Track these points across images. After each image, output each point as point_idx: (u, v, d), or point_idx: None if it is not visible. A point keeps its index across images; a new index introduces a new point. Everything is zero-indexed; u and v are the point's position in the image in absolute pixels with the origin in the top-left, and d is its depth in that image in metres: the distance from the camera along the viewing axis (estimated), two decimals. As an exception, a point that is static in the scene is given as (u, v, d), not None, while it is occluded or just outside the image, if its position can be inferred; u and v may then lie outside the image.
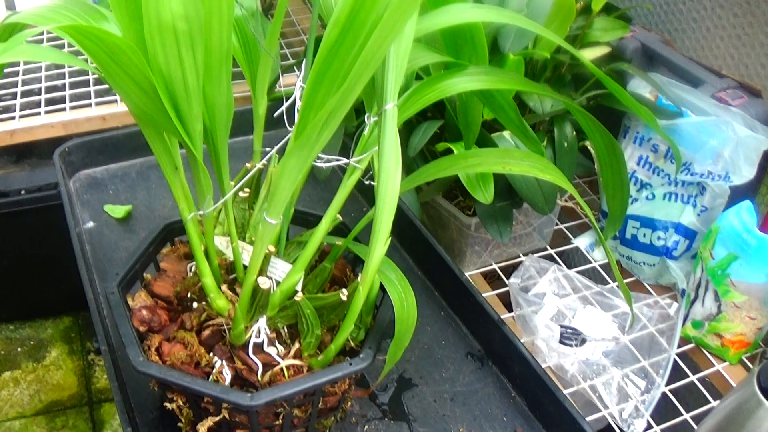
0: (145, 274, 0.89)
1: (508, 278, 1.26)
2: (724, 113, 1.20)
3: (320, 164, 0.75)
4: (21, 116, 1.49)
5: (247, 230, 0.87)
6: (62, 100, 1.53)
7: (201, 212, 0.77)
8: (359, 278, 0.75)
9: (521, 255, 1.31)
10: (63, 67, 1.61)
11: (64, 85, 1.57)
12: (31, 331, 1.77)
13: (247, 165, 0.87)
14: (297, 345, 0.81)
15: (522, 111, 1.13)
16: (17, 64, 1.65)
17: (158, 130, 0.72)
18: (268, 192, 0.88)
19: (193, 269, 0.88)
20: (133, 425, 0.86)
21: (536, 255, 1.31)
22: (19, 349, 1.71)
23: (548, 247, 1.34)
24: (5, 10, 1.81)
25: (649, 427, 1.09)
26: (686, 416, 1.10)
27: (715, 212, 1.22)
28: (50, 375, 1.67)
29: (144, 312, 0.84)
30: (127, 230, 1.13)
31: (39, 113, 1.49)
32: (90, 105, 1.51)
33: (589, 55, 1.16)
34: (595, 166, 1.26)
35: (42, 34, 1.74)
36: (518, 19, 0.78)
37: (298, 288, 0.81)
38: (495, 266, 1.29)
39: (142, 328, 0.83)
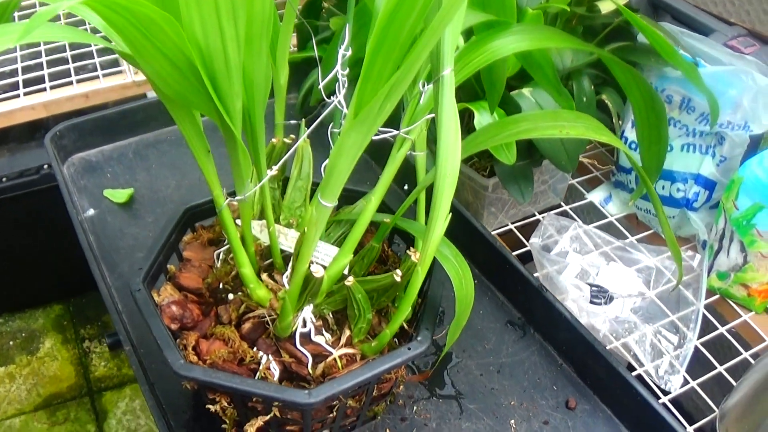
0: (168, 266, 0.81)
1: (524, 237, 1.21)
2: (740, 62, 1.14)
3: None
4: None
5: (279, 211, 0.79)
6: (41, 80, 1.41)
7: (238, 197, 0.69)
8: (413, 255, 0.69)
9: (536, 213, 1.25)
10: (39, 44, 1.49)
11: (41, 64, 1.45)
12: (22, 323, 1.67)
13: (273, 141, 0.79)
14: (347, 332, 0.74)
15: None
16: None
17: (189, 111, 0.64)
18: (300, 169, 0.80)
19: (220, 257, 0.81)
20: (169, 428, 0.79)
21: (552, 212, 1.25)
22: (11, 342, 1.61)
23: (563, 203, 1.28)
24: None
25: (686, 382, 1.05)
26: (720, 369, 1.06)
27: (734, 162, 1.17)
28: (46, 367, 1.58)
29: (174, 308, 0.76)
30: (132, 215, 1.05)
31: (18, 95, 1.38)
32: (71, 83, 1.40)
33: (606, 7, 1.10)
34: (612, 120, 1.21)
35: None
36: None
37: (345, 271, 0.74)
38: (511, 226, 1.23)
39: (173, 326, 0.75)
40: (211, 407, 0.74)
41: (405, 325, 0.77)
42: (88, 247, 0.96)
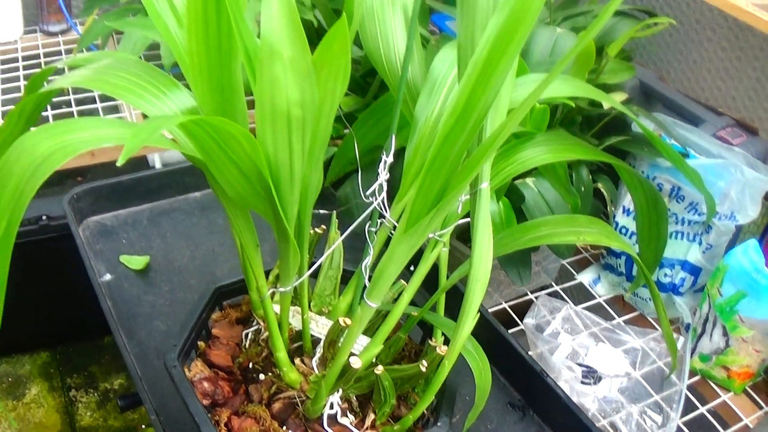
0: (199, 342, 0.87)
1: (516, 315, 1.28)
2: (728, 153, 1.24)
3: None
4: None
5: (310, 298, 0.86)
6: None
7: (283, 289, 0.75)
8: (439, 348, 0.75)
9: (529, 293, 1.33)
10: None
11: (47, 117, 1.51)
12: (8, 368, 1.70)
13: (315, 231, 0.85)
14: (372, 415, 0.80)
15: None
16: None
17: (245, 211, 0.71)
18: (331, 259, 0.87)
19: (249, 336, 0.86)
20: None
21: (543, 292, 1.33)
22: (-3, 386, 1.64)
23: (554, 284, 1.36)
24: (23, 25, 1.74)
25: (669, 460, 1.12)
26: (701, 449, 1.13)
27: (719, 249, 1.26)
28: (32, 413, 1.61)
29: (206, 384, 0.82)
30: (148, 283, 1.10)
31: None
32: (77, 141, 1.45)
33: (610, 101, 1.19)
34: (607, 208, 1.29)
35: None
36: (588, 91, 0.79)
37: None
38: (505, 305, 1.31)
39: (205, 402, 0.81)
40: (240, 481, 0.79)
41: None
42: (109, 312, 1.01)
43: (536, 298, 1.29)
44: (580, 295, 1.34)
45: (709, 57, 1.49)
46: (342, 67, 0.61)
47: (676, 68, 1.57)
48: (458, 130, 0.62)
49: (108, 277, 1.10)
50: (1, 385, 1.66)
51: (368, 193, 0.72)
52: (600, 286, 1.36)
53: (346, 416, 0.80)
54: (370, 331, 0.82)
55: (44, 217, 1.55)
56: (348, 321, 0.77)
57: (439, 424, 0.79)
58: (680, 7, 1.53)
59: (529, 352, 1.22)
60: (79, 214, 1.17)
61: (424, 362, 0.77)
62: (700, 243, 1.26)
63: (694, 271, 1.27)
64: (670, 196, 1.27)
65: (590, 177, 1.19)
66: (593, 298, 1.34)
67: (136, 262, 1.12)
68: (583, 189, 1.18)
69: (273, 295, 0.79)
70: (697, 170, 1.21)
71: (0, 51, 1.73)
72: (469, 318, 0.71)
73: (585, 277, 1.37)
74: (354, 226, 0.78)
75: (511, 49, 0.58)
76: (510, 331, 1.25)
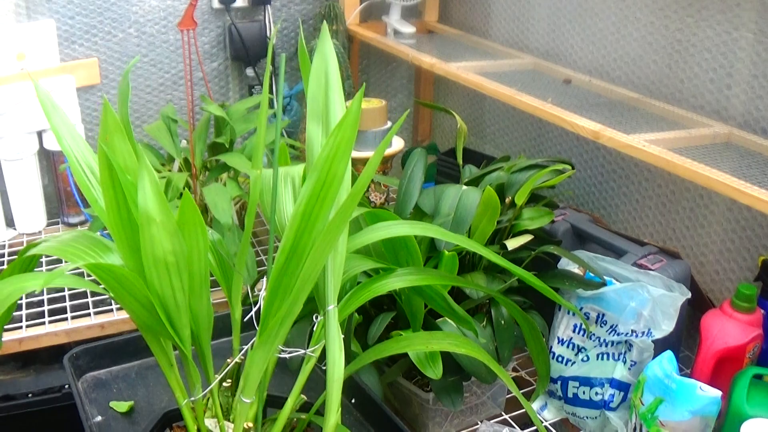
0: (149, 456, 1.11)
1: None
2: (645, 277, 1.44)
3: (284, 355, 0.99)
4: (27, 326, 1.73)
5: (232, 413, 1.09)
6: (64, 311, 1.78)
7: (192, 398, 1.00)
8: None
9: (479, 422, 1.52)
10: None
11: (64, 297, 1.83)
12: None
13: (228, 360, 1.10)
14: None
15: (462, 297, 1.38)
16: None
17: (156, 336, 0.96)
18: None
19: (188, 449, 1.10)
20: None
21: (493, 420, 1.52)
22: None
23: (503, 413, 1.55)
24: (5, 227, 2.11)
25: None
26: None
27: (643, 364, 1.44)
28: None
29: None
30: (131, 422, 1.35)
31: (44, 323, 1.74)
32: (89, 315, 1.76)
33: (512, 244, 1.42)
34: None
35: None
36: (438, 232, 1.05)
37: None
38: (456, 434, 1.50)
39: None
40: None
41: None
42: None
43: (480, 423, 1.48)
44: (530, 422, 1.52)
45: (648, 195, 1.73)
46: (198, 225, 0.88)
47: (623, 210, 1.81)
48: (289, 266, 0.88)
49: (99, 418, 1.36)
50: None
51: (245, 319, 0.97)
52: (547, 411, 1.55)
53: None
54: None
55: (66, 386, 1.83)
56: (250, 425, 1.01)
57: None
58: (620, 154, 1.78)
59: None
60: (78, 370, 1.44)
61: (312, 457, 0.99)
62: (624, 361, 1.45)
63: (622, 386, 1.45)
64: (596, 323, 1.47)
65: (509, 313, 1.39)
66: (541, 422, 1.52)
67: (122, 406, 1.38)
68: (503, 323, 1.39)
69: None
70: (612, 295, 1.43)
71: (27, 241, 2.09)
72: (333, 411, 0.94)
73: (534, 405, 1.55)
74: (248, 347, 1.02)
75: (325, 207, 0.84)
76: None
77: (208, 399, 1.11)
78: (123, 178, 0.91)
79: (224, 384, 1.11)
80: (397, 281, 1.02)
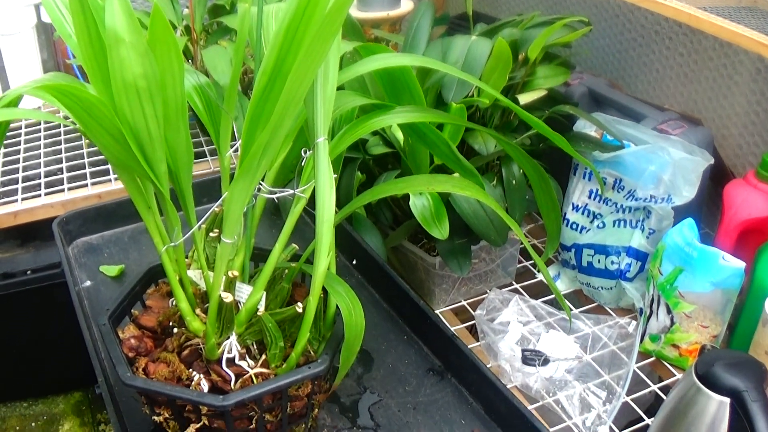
0: (133, 311, 1.06)
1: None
2: (665, 142, 1.37)
3: (267, 195, 0.93)
4: (23, 199, 1.69)
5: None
6: (60, 182, 1.73)
7: (172, 243, 0.94)
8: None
9: (488, 291, 1.47)
10: (60, 152, 1.83)
11: (61, 169, 1.78)
12: (44, 407, 1.94)
13: (215, 209, 1.04)
14: (264, 356, 0.97)
15: (470, 154, 1.31)
16: (18, 152, 1.87)
17: (131, 175, 0.91)
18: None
19: (174, 303, 1.05)
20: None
21: (505, 290, 1.47)
22: (33, 424, 1.87)
23: (513, 282, 1.50)
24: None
25: (612, 433, 1.23)
26: (647, 421, 1.24)
27: (662, 233, 1.38)
28: (64, 445, 1.84)
29: (132, 341, 1.01)
30: (121, 285, 1.31)
31: (39, 195, 1.69)
32: (86, 185, 1.71)
33: (525, 99, 1.35)
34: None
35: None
36: (442, 66, 0.97)
37: (261, 306, 0.97)
38: (464, 302, 1.46)
39: (131, 354, 1.00)
40: (156, 418, 0.97)
41: (317, 356, 0.99)
42: (81, 309, 1.21)
43: (489, 291, 1.43)
44: (543, 292, 1.47)
45: (669, 65, 1.64)
46: (172, 45, 0.81)
47: (642, 80, 1.72)
48: (273, 89, 0.81)
49: (88, 283, 1.33)
50: (37, 422, 1.89)
51: (230, 153, 0.91)
52: (560, 281, 1.49)
53: (245, 360, 0.97)
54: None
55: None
56: (235, 273, 0.96)
57: (319, 360, 0.95)
58: (639, 21, 1.68)
59: (480, 342, 1.37)
60: (68, 235, 1.40)
61: (300, 304, 0.94)
62: (642, 229, 1.38)
63: (640, 256, 1.39)
64: (613, 188, 1.40)
65: (522, 171, 1.33)
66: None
67: (112, 270, 1.34)
68: (514, 182, 1.33)
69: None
70: (630, 158, 1.36)
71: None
72: (322, 255, 0.88)
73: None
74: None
75: (312, 23, 0.77)
76: (465, 324, 1.41)
77: (194, 251, 1.06)
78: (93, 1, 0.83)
79: (211, 234, 1.06)
80: (396, 117, 0.95)
